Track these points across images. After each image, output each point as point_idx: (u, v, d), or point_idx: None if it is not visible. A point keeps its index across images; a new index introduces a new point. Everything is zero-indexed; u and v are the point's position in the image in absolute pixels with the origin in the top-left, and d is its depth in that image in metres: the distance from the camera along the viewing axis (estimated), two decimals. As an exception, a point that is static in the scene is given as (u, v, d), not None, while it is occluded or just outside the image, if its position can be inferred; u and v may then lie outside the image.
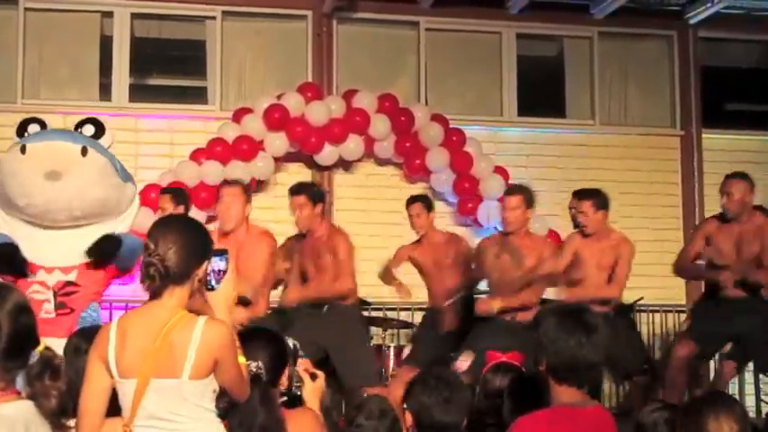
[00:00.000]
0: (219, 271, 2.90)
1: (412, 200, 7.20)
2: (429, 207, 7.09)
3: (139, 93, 9.36)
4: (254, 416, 2.93)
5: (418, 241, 7.19)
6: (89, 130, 5.39)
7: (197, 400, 2.73)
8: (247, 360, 2.96)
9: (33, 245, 5.17)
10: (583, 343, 3.03)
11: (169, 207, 6.31)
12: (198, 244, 2.85)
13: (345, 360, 6.12)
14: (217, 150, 8.56)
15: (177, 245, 2.76)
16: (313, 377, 3.38)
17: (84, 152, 5.06)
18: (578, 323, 3.09)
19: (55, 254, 5.18)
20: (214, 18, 9.41)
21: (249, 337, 3.22)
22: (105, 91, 9.26)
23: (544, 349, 3.09)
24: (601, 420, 3.14)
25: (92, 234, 5.24)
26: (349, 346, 6.21)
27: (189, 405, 2.72)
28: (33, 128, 5.36)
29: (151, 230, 2.84)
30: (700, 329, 6.21)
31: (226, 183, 5.96)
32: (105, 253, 5.17)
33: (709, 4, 9.52)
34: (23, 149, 4.98)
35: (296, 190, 6.38)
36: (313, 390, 3.35)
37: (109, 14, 9.29)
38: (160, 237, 2.78)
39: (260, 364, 3.03)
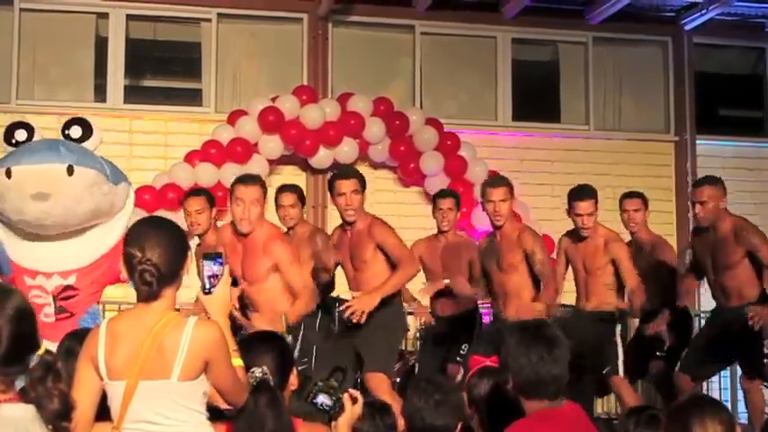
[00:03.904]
0: (214, 275, 2.90)
1: (446, 193, 6.76)
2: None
3: (134, 94, 9.36)
4: (263, 421, 2.88)
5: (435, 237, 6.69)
6: (76, 131, 5.29)
7: (186, 401, 2.72)
8: (252, 366, 2.94)
9: (31, 250, 5.14)
10: (545, 358, 3.06)
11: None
12: (178, 241, 2.84)
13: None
14: (211, 152, 8.55)
15: (162, 247, 2.75)
16: (354, 401, 3.19)
17: (70, 171, 4.94)
18: (538, 339, 3.11)
19: (53, 259, 5.14)
20: (209, 20, 9.41)
21: (251, 342, 3.21)
22: (100, 92, 9.27)
23: (508, 367, 3.12)
24: (576, 416, 3.17)
25: (89, 237, 5.21)
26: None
27: (178, 407, 2.70)
28: (20, 134, 5.27)
29: (131, 239, 2.80)
30: (690, 364, 6.05)
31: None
32: None
33: (703, 11, 9.56)
34: (9, 173, 4.88)
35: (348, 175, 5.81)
36: (351, 416, 3.17)
37: (104, 16, 9.30)
38: (144, 242, 2.75)
39: (265, 368, 2.98)
